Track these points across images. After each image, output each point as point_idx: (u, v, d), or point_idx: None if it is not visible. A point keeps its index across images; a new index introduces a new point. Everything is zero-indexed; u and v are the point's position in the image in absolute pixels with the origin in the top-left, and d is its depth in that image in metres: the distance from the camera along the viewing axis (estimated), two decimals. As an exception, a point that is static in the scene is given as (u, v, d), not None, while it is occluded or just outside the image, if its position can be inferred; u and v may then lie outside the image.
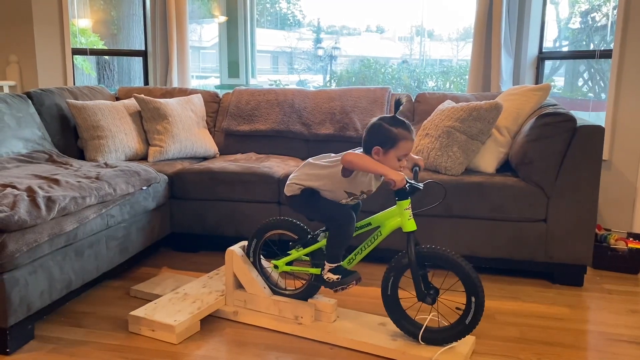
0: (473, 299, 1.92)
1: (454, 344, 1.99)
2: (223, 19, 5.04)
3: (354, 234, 2.12)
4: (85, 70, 6.00)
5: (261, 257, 2.34)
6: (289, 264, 2.26)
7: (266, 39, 6.05)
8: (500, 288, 2.66)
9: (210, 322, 2.27)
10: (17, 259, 1.91)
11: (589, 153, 2.56)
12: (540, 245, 2.66)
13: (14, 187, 2.17)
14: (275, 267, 2.28)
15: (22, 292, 1.96)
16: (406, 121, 1.98)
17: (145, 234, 2.79)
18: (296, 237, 2.26)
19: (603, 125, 2.59)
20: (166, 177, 2.99)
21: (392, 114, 1.99)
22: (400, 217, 2.02)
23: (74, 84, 4.25)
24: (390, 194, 2.02)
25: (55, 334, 2.16)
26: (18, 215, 1.91)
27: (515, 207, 2.65)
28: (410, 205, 2.01)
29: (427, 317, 2.04)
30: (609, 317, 2.37)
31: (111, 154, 3.17)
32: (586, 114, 3.98)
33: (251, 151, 3.55)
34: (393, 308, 2.07)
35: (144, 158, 3.33)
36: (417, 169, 2.13)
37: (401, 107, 1.97)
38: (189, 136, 3.41)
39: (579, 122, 2.61)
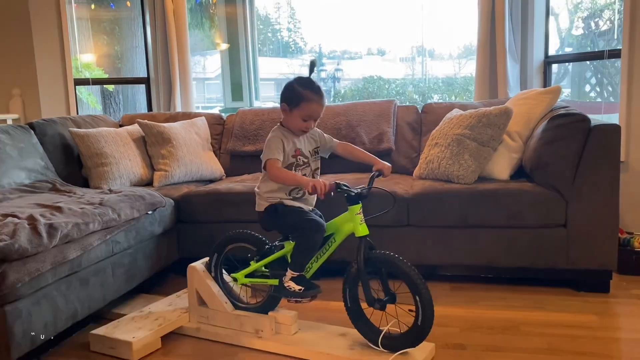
0: (418, 298, 1.87)
1: (411, 349, 1.95)
2: (225, 46, 5.05)
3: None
4: (91, 104, 6.01)
5: (223, 271, 2.33)
6: (248, 276, 2.24)
7: (269, 67, 6.10)
8: (523, 298, 2.55)
9: (174, 339, 2.27)
10: (19, 289, 1.84)
11: (606, 153, 2.48)
12: (562, 252, 2.55)
13: (15, 216, 2.11)
14: (235, 280, 2.27)
15: (26, 325, 1.88)
16: (316, 84, 2.04)
17: (153, 260, 2.72)
18: (255, 249, 2.25)
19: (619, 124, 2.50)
20: (172, 200, 2.93)
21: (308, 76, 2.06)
22: (352, 222, 2.00)
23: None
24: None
25: (61, 367, 2.08)
26: (18, 244, 1.84)
27: (533, 213, 2.55)
28: (361, 210, 1.99)
29: (395, 322, 2.00)
30: (641, 323, 2.26)
31: (116, 181, 3.11)
32: (598, 117, 3.89)
33: (258, 171, 3.47)
34: (356, 318, 2.06)
35: (149, 183, 3.28)
36: (377, 175, 2.10)
37: (315, 69, 2.06)
38: (194, 159, 3.36)
39: (593, 122, 2.54)
